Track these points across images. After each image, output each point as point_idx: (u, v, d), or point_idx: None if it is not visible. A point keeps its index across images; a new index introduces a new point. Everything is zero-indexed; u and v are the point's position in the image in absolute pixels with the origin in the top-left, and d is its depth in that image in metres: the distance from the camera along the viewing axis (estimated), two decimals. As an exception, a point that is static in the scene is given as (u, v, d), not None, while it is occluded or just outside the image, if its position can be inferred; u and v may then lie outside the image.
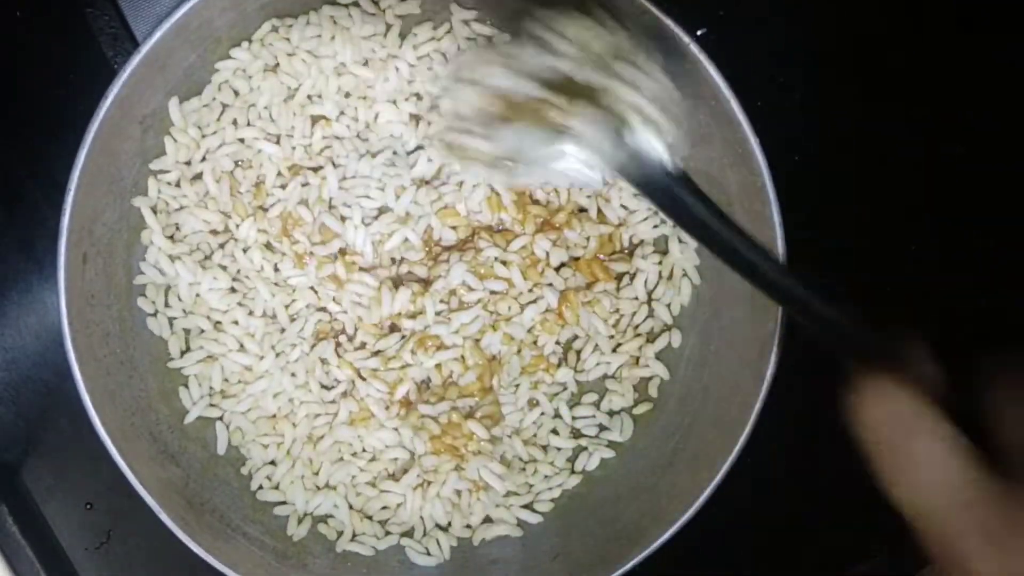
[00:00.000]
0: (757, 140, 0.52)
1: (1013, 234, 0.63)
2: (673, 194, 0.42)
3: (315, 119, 0.58)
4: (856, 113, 0.63)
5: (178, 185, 0.57)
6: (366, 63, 0.57)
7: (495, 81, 0.42)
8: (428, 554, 0.59)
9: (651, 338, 0.60)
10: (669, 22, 0.51)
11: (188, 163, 0.57)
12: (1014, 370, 0.37)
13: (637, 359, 0.60)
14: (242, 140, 0.57)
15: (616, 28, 0.43)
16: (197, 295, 0.57)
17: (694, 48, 0.51)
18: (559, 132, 0.42)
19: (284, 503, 0.59)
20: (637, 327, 0.60)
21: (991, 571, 0.33)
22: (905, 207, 0.63)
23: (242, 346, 0.58)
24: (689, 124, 0.44)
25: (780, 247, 0.52)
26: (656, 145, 0.42)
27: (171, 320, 0.58)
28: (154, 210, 0.57)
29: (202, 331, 0.58)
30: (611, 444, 0.60)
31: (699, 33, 0.58)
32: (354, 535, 0.59)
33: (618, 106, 0.42)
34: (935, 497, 0.34)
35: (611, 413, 0.61)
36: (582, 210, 0.60)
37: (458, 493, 0.59)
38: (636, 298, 0.60)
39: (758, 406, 0.53)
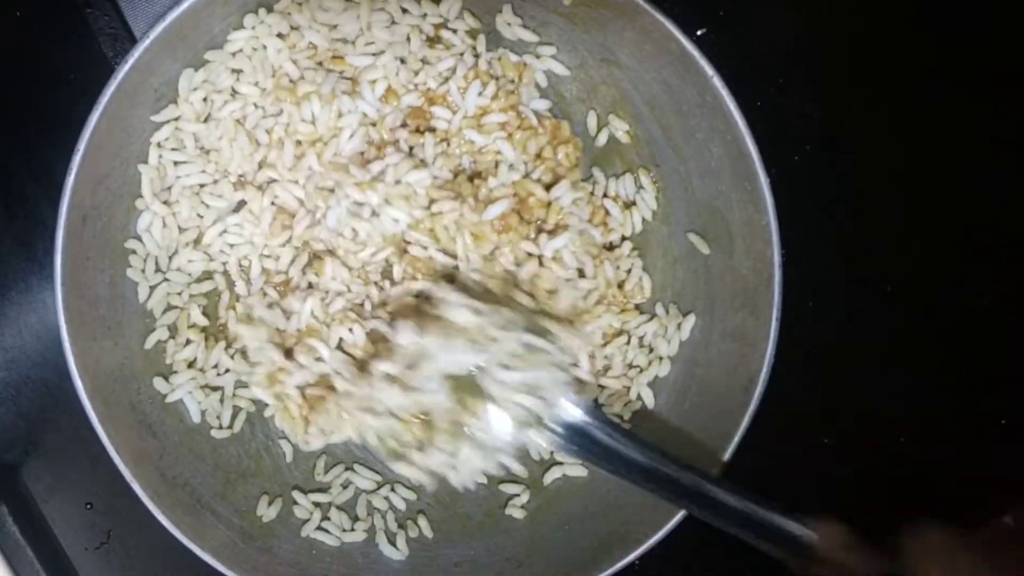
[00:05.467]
0: (767, 179, 0.52)
1: (1015, 235, 0.63)
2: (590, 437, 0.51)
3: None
4: (856, 113, 0.63)
5: (178, 149, 0.56)
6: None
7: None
8: (395, 547, 0.59)
9: (643, 368, 0.60)
10: (669, 23, 0.51)
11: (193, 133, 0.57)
12: (928, 536, 0.41)
13: (628, 388, 0.60)
14: (256, 104, 0.56)
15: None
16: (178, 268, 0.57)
17: (718, 85, 0.52)
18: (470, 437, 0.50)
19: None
20: (631, 362, 0.60)
21: None
22: (906, 207, 0.63)
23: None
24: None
25: (776, 291, 0.53)
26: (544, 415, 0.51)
27: (151, 288, 0.57)
28: (153, 179, 0.56)
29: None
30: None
31: (699, 33, 0.58)
32: (321, 521, 0.59)
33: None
34: None
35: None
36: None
37: None
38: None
39: (737, 437, 0.53)
